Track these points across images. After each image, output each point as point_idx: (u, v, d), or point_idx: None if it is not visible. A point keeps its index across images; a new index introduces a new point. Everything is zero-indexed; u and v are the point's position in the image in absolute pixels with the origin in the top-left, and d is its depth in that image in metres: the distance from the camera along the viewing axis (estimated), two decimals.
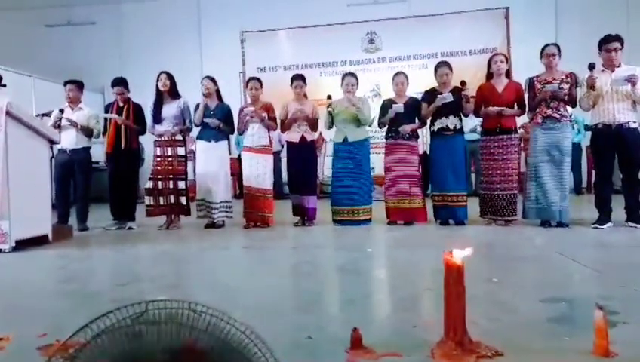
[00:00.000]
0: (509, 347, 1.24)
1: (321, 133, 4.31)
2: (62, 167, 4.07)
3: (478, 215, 3.76)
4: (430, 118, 3.87)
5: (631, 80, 3.23)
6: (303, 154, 4.01)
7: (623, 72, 3.29)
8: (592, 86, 3.34)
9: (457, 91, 3.72)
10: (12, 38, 7.73)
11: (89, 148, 4.23)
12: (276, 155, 6.33)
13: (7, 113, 3.04)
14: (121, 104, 4.17)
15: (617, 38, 3.41)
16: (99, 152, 5.18)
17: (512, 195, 3.61)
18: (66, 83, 4.27)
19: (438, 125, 3.79)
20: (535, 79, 3.59)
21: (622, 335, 1.30)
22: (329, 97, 3.98)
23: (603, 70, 3.43)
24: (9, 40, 7.61)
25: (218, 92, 4.13)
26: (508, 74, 3.77)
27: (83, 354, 0.75)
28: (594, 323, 1.19)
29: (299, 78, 4.09)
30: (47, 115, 4.02)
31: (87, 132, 4.15)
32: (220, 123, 3.99)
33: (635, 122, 3.40)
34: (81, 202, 4.21)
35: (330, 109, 3.90)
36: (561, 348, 1.26)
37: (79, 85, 4.29)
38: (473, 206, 3.83)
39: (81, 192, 4.20)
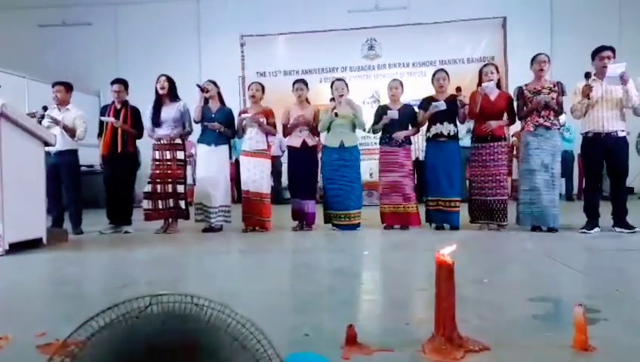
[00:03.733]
0: (495, 342, 1.30)
1: (319, 139, 4.35)
2: (48, 171, 3.97)
3: (469, 221, 3.82)
4: (426, 124, 3.95)
5: (622, 77, 3.30)
6: (303, 159, 4.05)
7: (615, 69, 3.33)
8: (587, 95, 3.42)
9: (453, 98, 3.80)
10: (5, 38, 7.64)
11: (76, 150, 4.15)
12: (277, 160, 6.39)
13: (2, 114, 3.02)
14: (118, 106, 4.14)
15: (610, 48, 3.51)
16: (95, 156, 5.17)
17: (504, 201, 3.70)
18: (54, 84, 4.20)
19: (433, 131, 3.87)
20: (524, 88, 3.69)
21: (602, 331, 1.38)
22: (332, 99, 3.99)
23: (594, 79, 3.52)
24: (1, 40, 7.53)
25: (220, 95, 4.16)
26: (498, 84, 3.86)
27: (85, 350, 0.76)
28: (574, 320, 1.26)
29: (300, 82, 4.13)
30: (32, 115, 3.89)
31: (71, 131, 4.06)
32: (220, 126, 4.01)
33: (623, 131, 3.50)
34: (73, 206, 4.14)
35: (336, 111, 3.91)
36: (544, 342, 1.32)
37: (67, 86, 4.22)
38: (465, 211, 3.90)
39: (72, 196, 4.12)
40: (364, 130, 4.15)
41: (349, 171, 3.98)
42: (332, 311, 1.83)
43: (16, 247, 3.11)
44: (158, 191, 4.01)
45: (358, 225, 4.01)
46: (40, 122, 3.91)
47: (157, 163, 4.05)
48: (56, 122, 3.99)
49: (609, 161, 3.52)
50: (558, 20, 7.40)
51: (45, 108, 4.02)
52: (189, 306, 0.81)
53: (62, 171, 4.04)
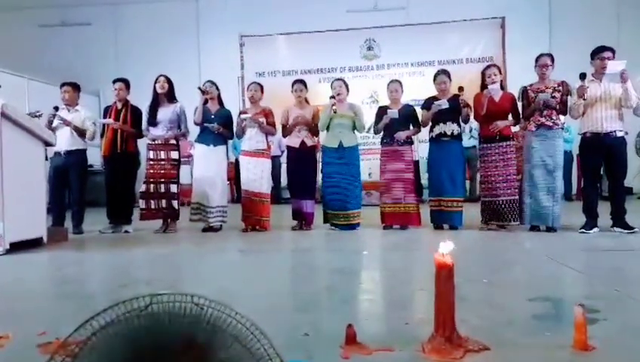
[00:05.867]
0: (495, 342, 1.30)
1: (318, 139, 4.35)
2: (56, 170, 4.04)
3: (477, 221, 3.82)
4: (430, 124, 3.94)
5: (622, 75, 3.30)
6: (302, 159, 4.05)
7: (616, 66, 3.34)
8: (582, 95, 3.44)
9: (456, 98, 3.80)
10: (4, 38, 7.65)
11: (84, 150, 4.19)
12: (276, 160, 6.39)
13: (3, 114, 3.03)
14: (119, 106, 4.16)
15: (610, 49, 3.52)
16: (95, 155, 5.16)
17: (514, 200, 3.69)
18: (62, 85, 4.24)
19: (436, 131, 3.87)
20: (528, 88, 3.70)
21: (601, 331, 1.38)
22: (332, 97, 3.98)
23: (592, 80, 3.52)
24: (1, 40, 7.53)
25: (219, 96, 4.17)
26: (501, 85, 3.86)
27: (85, 350, 0.75)
28: (574, 320, 1.26)
29: (299, 83, 4.14)
30: (33, 115, 3.88)
31: (81, 132, 4.10)
32: (219, 128, 4.01)
33: (622, 130, 3.51)
34: (76, 205, 4.16)
35: (335, 107, 3.90)
36: (543, 342, 1.33)
37: (75, 87, 4.26)
38: (468, 211, 3.90)
39: (77, 196, 4.15)
40: (365, 130, 4.15)
41: (348, 171, 3.97)
42: (332, 310, 1.83)
43: (16, 247, 3.12)
44: (152, 191, 4.03)
45: (358, 224, 4.02)
46: (51, 122, 3.96)
47: (151, 162, 4.07)
48: (66, 123, 4.02)
49: (608, 161, 3.52)
50: (557, 20, 7.41)
51: (57, 109, 4.06)
52: (189, 306, 0.81)
53: (70, 170, 4.08)
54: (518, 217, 3.69)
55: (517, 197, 3.70)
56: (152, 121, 4.06)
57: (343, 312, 1.72)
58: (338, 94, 3.98)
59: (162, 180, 4.04)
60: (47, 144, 3.59)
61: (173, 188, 4.06)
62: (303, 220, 4.08)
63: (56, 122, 3.99)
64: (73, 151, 4.08)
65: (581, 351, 1.23)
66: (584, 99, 3.44)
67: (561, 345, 1.28)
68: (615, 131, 3.47)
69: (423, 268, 2.31)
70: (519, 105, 3.76)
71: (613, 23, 7.10)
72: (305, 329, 1.47)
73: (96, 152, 4.85)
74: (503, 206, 3.70)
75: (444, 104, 3.73)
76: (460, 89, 3.80)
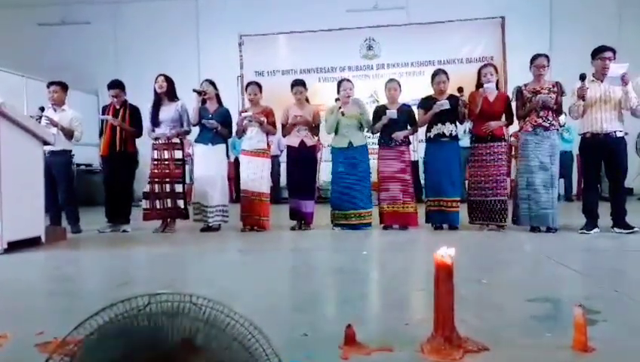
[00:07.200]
0: (494, 342, 1.30)
1: (318, 139, 4.33)
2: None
3: (468, 221, 3.81)
4: (426, 125, 3.93)
5: (623, 78, 3.30)
6: (302, 159, 4.04)
7: (617, 69, 3.33)
8: (582, 96, 3.44)
9: (454, 98, 3.79)
10: (4, 36, 7.64)
11: (69, 151, 4.13)
12: (275, 160, 6.39)
13: (1, 113, 3.02)
14: (117, 106, 4.14)
15: (611, 49, 3.51)
16: (93, 155, 5.15)
17: (503, 201, 3.70)
18: (49, 84, 4.18)
19: (434, 131, 3.86)
20: (523, 88, 3.69)
21: (601, 332, 1.38)
22: (337, 100, 3.95)
23: (593, 80, 3.52)
24: (0, 38, 7.52)
25: (218, 95, 4.16)
26: (497, 85, 3.85)
27: (83, 349, 0.76)
28: (574, 320, 1.26)
29: (299, 84, 4.11)
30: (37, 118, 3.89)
31: (68, 133, 4.05)
32: (217, 124, 4.01)
33: (622, 131, 3.51)
34: (68, 206, 4.11)
35: (342, 110, 3.87)
36: (543, 343, 1.32)
37: (63, 86, 4.21)
38: (465, 211, 3.90)
39: (66, 196, 4.08)
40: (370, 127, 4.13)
41: (358, 171, 3.96)
42: (331, 310, 1.83)
43: (14, 246, 3.11)
44: (156, 190, 4.01)
45: (370, 224, 3.99)
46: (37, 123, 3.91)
47: (155, 162, 4.05)
48: (53, 123, 3.97)
49: (608, 162, 3.52)
50: (557, 19, 7.40)
51: (42, 109, 4.01)
52: (188, 305, 0.81)
53: (55, 171, 4.01)
54: (506, 217, 3.69)
55: (506, 197, 3.70)
56: (155, 121, 4.04)
57: (343, 312, 1.72)
58: (348, 96, 3.95)
59: (167, 180, 4.02)
60: (46, 143, 3.57)
61: (179, 187, 4.03)
62: (301, 220, 4.07)
63: (43, 123, 3.91)
64: (58, 151, 4.00)
65: (581, 352, 1.23)
66: (584, 100, 3.44)
67: (560, 345, 1.27)
68: (615, 132, 3.46)
69: (423, 268, 2.31)
70: (513, 105, 3.75)
71: (614, 23, 7.09)
72: (304, 329, 1.46)
73: (95, 151, 4.84)
74: (491, 206, 3.69)
75: (446, 105, 3.72)
76: (460, 90, 3.78)
